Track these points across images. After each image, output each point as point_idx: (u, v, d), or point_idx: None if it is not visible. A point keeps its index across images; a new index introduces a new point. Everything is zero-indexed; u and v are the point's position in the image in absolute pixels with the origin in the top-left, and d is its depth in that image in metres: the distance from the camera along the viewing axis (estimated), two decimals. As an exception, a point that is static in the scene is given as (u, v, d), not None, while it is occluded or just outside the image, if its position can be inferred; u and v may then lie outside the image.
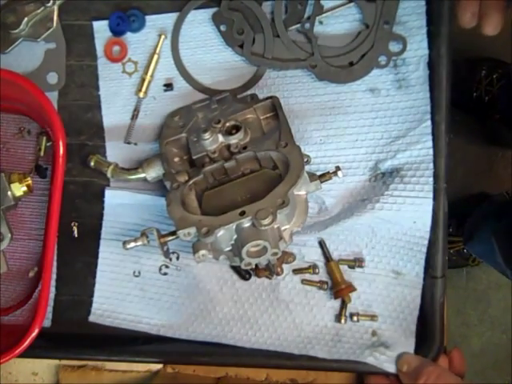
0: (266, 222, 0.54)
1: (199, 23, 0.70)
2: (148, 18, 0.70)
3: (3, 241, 0.66)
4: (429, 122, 0.67)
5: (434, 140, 0.67)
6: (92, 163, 0.68)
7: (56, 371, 0.79)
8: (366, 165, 0.69)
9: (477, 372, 1.52)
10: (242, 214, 0.56)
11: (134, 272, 0.70)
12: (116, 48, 0.70)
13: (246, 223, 0.56)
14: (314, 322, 0.70)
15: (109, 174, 0.68)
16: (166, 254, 0.61)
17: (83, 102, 0.70)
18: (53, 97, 0.69)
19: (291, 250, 0.69)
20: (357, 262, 0.69)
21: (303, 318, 0.69)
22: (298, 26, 0.68)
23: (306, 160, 0.63)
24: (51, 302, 0.70)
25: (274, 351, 0.69)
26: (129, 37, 0.70)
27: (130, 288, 0.70)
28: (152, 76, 0.70)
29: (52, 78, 0.70)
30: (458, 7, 0.57)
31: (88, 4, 0.70)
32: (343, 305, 0.69)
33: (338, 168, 0.62)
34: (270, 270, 0.68)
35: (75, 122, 0.70)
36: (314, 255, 0.70)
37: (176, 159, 0.66)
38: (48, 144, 0.70)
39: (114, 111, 0.70)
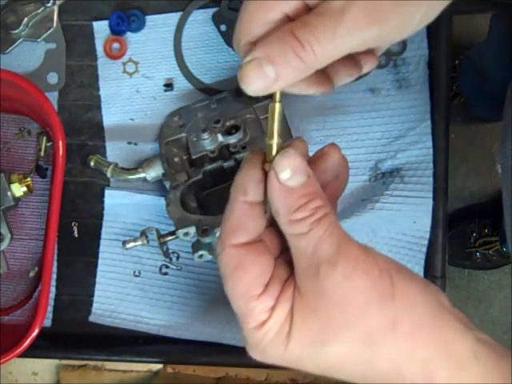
0: (265, 221, 0.54)
1: (199, 23, 0.70)
2: (148, 18, 0.70)
3: (3, 241, 0.66)
4: (429, 122, 0.67)
5: (433, 140, 0.67)
6: (92, 163, 0.68)
7: (56, 371, 0.80)
8: (366, 165, 0.69)
9: (478, 372, 1.51)
10: (242, 213, 0.56)
11: (134, 272, 0.70)
12: (115, 45, 0.70)
13: (246, 223, 0.56)
14: (314, 322, 0.69)
15: (109, 174, 0.68)
16: (166, 253, 0.61)
17: (83, 102, 0.70)
18: (53, 97, 0.69)
19: (291, 249, 0.69)
20: (357, 262, 0.69)
21: (303, 318, 0.69)
22: (298, 25, 0.67)
23: (305, 160, 0.62)
24: (51, 302, 0.70)
25: (274, 351, 0.69)
26: (129, 37, 0.70)
27: (130, 288, 0.70)
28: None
29: (52, 78, 0.70)
30: None
31: (88, 4, 0.70)
32: (343, 305, 0.69)
33: (337, 168, 0.62)
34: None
35: (75, 121, 0.70)
36: (314, 255, 0.70)
37: (176, 159, 0.66)
38: (48, 144, 0.70)
39: (114, 111, 0.70)
